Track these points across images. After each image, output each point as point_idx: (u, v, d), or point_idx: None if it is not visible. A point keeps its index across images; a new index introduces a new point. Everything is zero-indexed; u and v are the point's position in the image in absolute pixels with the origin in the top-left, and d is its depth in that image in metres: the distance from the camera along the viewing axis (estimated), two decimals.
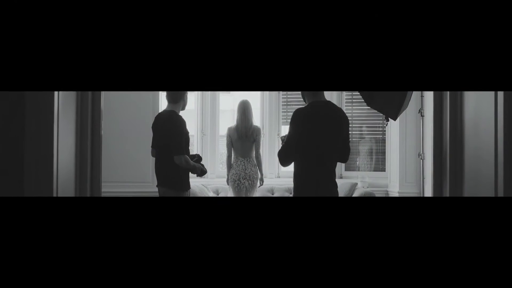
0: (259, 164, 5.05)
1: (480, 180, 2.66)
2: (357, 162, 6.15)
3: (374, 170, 6.14)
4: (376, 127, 6.18)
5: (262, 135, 5.14)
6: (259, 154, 5.06)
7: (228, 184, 5.13)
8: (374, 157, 6.18)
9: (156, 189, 3.94)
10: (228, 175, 5.10)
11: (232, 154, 5.12)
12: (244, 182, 4.91)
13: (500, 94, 2.38)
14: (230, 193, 5.11)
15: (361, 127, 6.26)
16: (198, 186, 5.53)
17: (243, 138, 4.97)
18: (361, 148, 6.11)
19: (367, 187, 5.75)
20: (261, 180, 5.17)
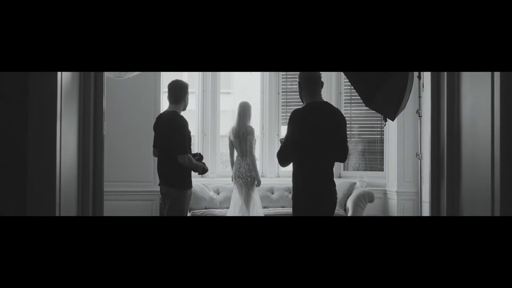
0: (252, 164, 5.01)
1: (478, 179, 2.69)
2: (347, 162, 6.17)
3: (370, 170, 6.18)
4: (374, 127, 6.22)
5: (253, 135, 5.02)
6: (251, 154, 5.01)
7: (232, 181, 5.26)
8: (367, 156, 6.22)
9: (158, 188, 3.99)
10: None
11: (234, 153, 5.22)
12: (238, 181, 5.05)
13: (497, 93, 2.41)
14: (234, 190, 5.20)
15: (360, 127, 6.31)
16: (199, 185, 5.58)
17: (237, 138, 5.05)
18: (351, 148, 6.13)
19: (366, 187, 5.80)
20: (257, 180, 5.07)
